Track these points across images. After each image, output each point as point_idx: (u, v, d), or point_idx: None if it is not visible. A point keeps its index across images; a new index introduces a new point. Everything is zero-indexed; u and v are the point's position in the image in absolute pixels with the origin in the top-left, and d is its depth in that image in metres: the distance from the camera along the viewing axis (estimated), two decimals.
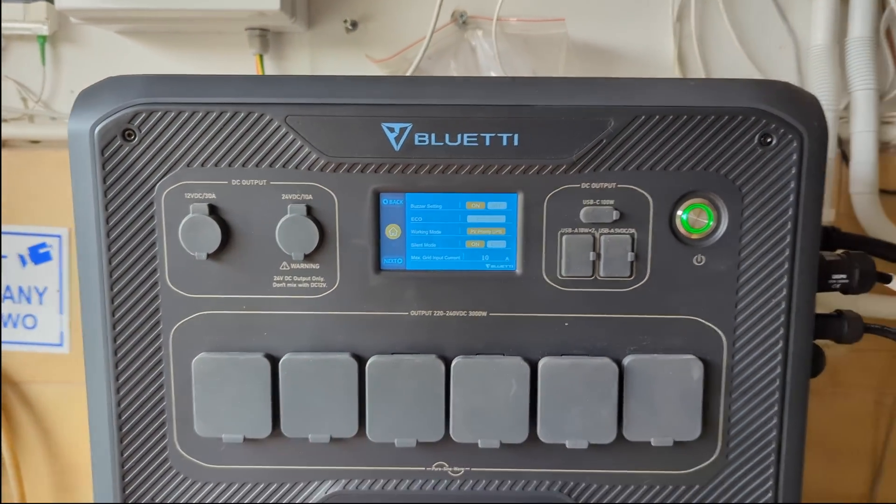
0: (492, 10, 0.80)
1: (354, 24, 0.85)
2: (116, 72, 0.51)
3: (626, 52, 0.85)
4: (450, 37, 0.84)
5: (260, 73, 0.83)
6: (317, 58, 0.86)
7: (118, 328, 0.51)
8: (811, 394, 0.87)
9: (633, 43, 0.85)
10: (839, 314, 0.56)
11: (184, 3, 0.74)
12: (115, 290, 0.50)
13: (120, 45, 0.86)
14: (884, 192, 0.84)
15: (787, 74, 0.85)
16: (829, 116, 0.81)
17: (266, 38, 0.83)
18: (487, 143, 0.49)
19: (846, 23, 0.82)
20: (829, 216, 0.82)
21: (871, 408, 0.89)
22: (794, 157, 0.49)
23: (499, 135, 0.49)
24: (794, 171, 0.49)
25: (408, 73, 0.82)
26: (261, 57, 0.83)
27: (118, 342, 0.51)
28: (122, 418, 0.52)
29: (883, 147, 0.84)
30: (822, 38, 0.82)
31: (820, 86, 0.81)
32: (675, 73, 0.84)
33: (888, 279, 0.57)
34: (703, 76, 0.85)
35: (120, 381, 0.51)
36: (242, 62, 0.85)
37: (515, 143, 0.49)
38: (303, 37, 0.86)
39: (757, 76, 0.84)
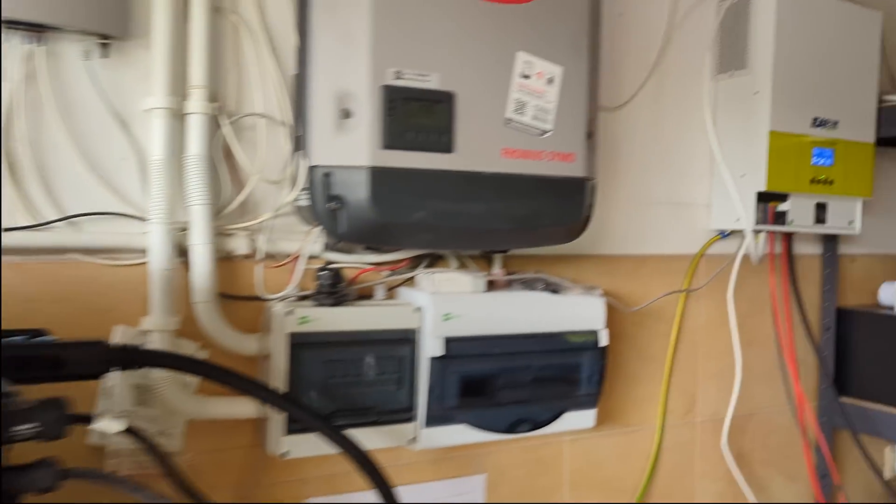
0: None
1: None
2: None
3: None
4: None
5: None
6: None
7: None
8: None
9: None
10: (33, 465, 0.53)
11: None
12: None
13: None
14: (230, 296, 0.90)
15: (131, 184, 0.85)
16: (167, 230, 0.83)
17: None
18: None
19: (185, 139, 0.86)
20: (172, 324, 0.84)
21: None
22: None
23: None
24: None
25: None
26: None
27: None
28: None
29: (227, 256, 0.90)
30: (160, 152, 0.84)
31: (159, 199, 0.84)
32: None
33: (89, 420, 0.57)
34: (49, 182, 0.81)
35: None
36: None
37: None
38: None
39: (98, 184, 0.83)
